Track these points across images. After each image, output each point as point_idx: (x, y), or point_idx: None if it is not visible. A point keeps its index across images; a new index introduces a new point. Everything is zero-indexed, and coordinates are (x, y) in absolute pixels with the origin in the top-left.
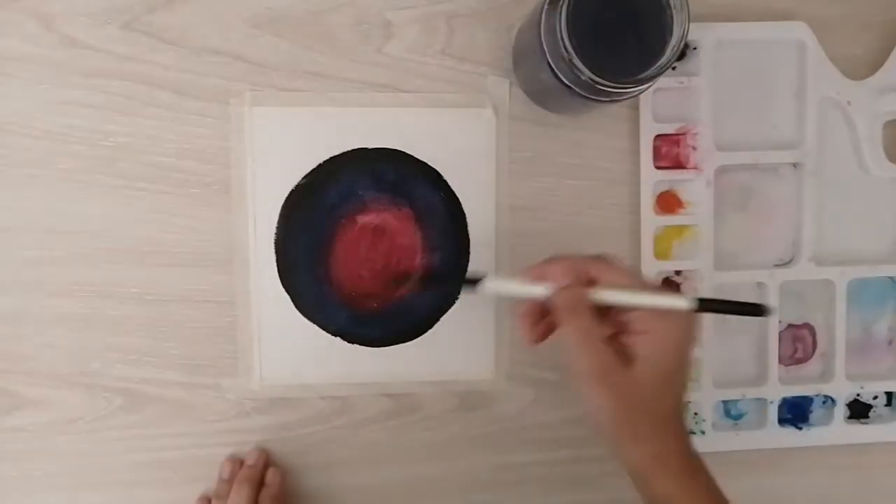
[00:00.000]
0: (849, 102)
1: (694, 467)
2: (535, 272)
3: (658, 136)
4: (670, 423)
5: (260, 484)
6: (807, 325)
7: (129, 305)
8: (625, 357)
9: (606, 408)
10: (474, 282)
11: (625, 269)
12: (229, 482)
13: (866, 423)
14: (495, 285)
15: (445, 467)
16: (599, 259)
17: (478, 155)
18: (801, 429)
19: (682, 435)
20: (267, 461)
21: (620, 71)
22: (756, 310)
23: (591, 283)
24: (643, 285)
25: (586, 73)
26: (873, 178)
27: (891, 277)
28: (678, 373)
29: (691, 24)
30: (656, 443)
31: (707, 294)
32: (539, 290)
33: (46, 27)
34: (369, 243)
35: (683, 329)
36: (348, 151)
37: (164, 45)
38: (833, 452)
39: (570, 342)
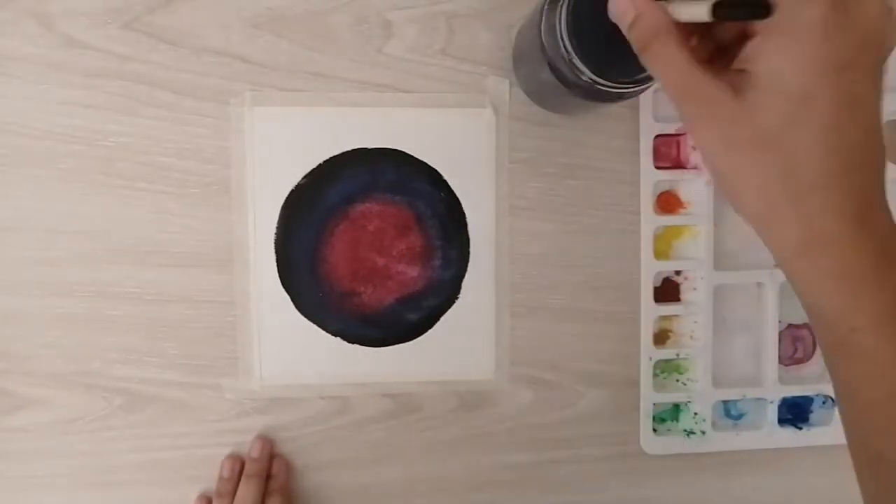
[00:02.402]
0: None
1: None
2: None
3: (658, 136)
4: (831, 188)
5: (266, 476)
6: (807, 325)
7: (129, 305)
8: (738, 88)
9: (719, 160)
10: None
11: None
12: (230, 480)
13: None
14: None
15: (445, 467)
16: None
17: (478, 155)
18: (801, 429)
19: (852, 212)
20: (271, 451)
21: (620, 71)
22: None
23: None
24: None
25: (586, 74)
26: None
27: None
28: (828, 97)
29: None
30: (806, 223)
31: (706, 294)
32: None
33: (46, 27)
34: (369, 243)
35: (822, 27)
36: (348, 151)
37: (164, 45)
38: (833, 452)
39: (657, 77)
